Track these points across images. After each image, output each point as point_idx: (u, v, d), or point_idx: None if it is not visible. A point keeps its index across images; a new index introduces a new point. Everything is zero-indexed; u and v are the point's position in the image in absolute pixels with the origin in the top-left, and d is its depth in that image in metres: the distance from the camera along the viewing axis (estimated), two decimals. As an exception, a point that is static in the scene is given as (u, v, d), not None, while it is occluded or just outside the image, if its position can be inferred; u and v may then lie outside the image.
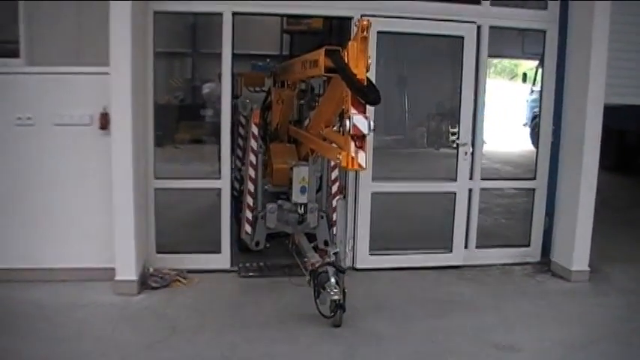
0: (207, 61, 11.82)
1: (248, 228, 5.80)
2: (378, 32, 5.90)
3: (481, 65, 6.43)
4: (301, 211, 5.74)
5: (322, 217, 5.80)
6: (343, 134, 3.94)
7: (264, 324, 4.98)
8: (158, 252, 6.03)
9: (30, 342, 4.47)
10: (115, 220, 5.42)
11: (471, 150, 6.50)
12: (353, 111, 3.81)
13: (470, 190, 6.58)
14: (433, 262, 6.50)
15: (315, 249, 5.64)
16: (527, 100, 18.38)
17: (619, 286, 6.10)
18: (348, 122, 3.78)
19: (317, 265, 4.95)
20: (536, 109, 17.94)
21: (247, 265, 6.27)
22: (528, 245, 6.83)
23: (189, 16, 9.20)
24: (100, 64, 5.32)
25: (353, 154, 3.84)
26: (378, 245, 6.38)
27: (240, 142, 6.73)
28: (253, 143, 5.82)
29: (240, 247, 6.31)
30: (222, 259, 6.20)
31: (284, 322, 5.01)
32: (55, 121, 5.50)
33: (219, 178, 6.14)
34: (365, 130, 3.79)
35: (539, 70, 18.03)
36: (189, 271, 5.94)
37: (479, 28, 6.30)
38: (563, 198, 6.49)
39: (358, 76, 3.78)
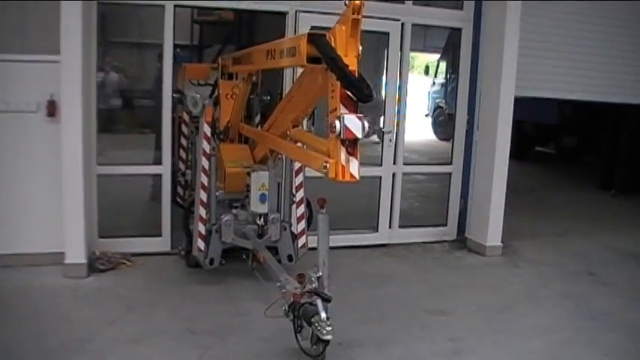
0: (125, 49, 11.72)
1: (201, 244, 5.26)
2: (312, 27, 6.34)
3: (404, 59, 6.97)
4: (261, 222, 5.33)
5: (285, 229, 5.40)
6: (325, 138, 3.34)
7: (215, 300, 5.24)
8: (100, 236, 6.15)
9: (-9, 324, 4.56)
10: (64, 205, 5.54)
11: (394, 137, 7.03)
12: (343, 110, 3.23)
13: (393, 175, 7.12)
14: (361, 242, 6.99)
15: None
16: (429, 92, 19.29)
17: (528, 259, 6.87)
18: (337, 123, 3.18)
19: (300, 294, 4.15)
20: (438, 100, 18.97)
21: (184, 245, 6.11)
22: (445, 225, 7.48)
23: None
24: (44, 52, 5.44)
25: (343, 163, 3.25)
26: (311, 226, 6.73)
27: (184, 142, 6.48)
28: (205, 145, 5.27)
29: (188, 263, 5.81)
30: (163, 242, 6.39)
31: (233, 297, 5.30)
32: (1, 108, 5.53)
33: (160, 164, 6.30)
34: (359, 134, 3.23)
35: (441, 63, 19.02)
36: (132, 255, 6.09)
37: (402, 25, 6.82)
38: (478, 180, 7.16)
39: (350, 68, 3.22)
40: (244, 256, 5.54)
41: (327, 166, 3.29)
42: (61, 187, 5.54)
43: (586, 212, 9.45)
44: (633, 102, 8.17)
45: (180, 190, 6.58)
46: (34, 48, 5.51)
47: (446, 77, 17.59)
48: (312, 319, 3.94)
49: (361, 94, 3.20)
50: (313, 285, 4.11)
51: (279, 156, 5.12)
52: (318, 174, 3.45)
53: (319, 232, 4.27)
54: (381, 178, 7.06)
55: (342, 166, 3.25)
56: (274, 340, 4.49)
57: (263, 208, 5.21)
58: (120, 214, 6.76)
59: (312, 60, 3.37)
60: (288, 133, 4.36)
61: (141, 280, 5.64)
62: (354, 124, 3.21)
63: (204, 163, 5.28)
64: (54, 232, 5.64)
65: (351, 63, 3.22)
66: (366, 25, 6.78)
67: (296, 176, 5.52)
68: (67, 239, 5.60)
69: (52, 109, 5.54)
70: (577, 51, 7.21)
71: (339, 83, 3.22)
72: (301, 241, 5.59)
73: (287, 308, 4.24)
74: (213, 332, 4.60)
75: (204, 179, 5.28)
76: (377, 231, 7.12)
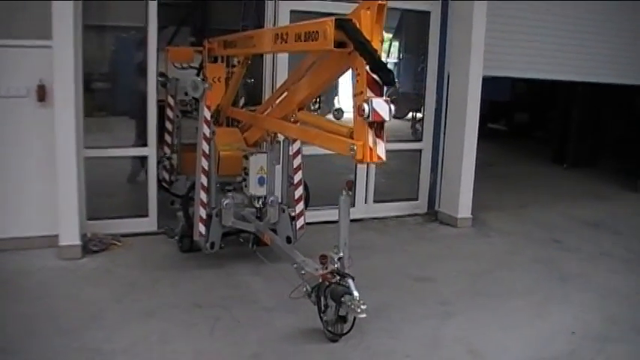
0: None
1: (202, 228, 5.24)
2: (291, 11, 6.57)
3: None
4: (259, 204, 5.39)
5: (283, 211, 5.43)
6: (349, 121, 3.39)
7: (214, 275, 5.44)
8: (89, 219, 6.22)
9: (3, 304, 4.67)
10: (59, 187, 5.64)
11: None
12: (370, 93, 3.30)
13: (369, 151, 7.41)
14: (338, 217, 7.27)
15: None
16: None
17: (497, 229, 7.34)
18: (366, 106, 3.25)
19: (327, 275, 4.23)
20: (391, 79, 19.25)
21: (173, 228, 6.23)
22: (417, 199, 7.86)
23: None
24: (33, 37, 5.50)
25: (371, 145, 3.33)
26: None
27: (169, 125, 6.55)
28: (205, 129, 5.20)
29: (182, 248, 5.87)
30: (150, 223, 6.54)
31: (230, 273, 5.52)
32: (-10, 94, 5.58)
33: (146, 145, 6.40)
34: (386, 116, 3.31)
35: (393, 43, 19.30)
36: (121, 235, 6.21)
37: (376, 8, 7.08)
38: (449, 156, 7.55)
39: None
40: (241, 239, 5.65)
41: (355, 148, 3.37)
42: (53, 170, 5.62)
43: (543, 185, 10.04)
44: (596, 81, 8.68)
45: (165, 174, 6.65)
46: (22, 33, 5.55)
47: (398, 57, 17.90)
48: (343, 299, 4.02)
49: (387, 77, 3.27)
50: (335, 265, 4.22)
51: (277, 139, 5.20)
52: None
53: (340, 214, 4.29)
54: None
55: (370, 148, 3.34)
56: (278, 309, 4.77)
57: (261, 191, 5.30)
58: (103, 196, 6.84)
59: (339, 44, 3.38)
60: (293, 115, 4.43)
61: (136, 260, 5.78)
62: (382, 107, 3.29)
63: (204, 147, 5.24)
64: (46, 215, 5.76)
65: (377, 47, 3.29)
66: (340, 8, 7.10)
67: (294, 158, 5.55)
68: (62, 221, 5.71)
69: (42, 93, 5.61)
70: (539, 32, 7.62)
71: (366, 67, 3.28)
72: (299, 223, 5.65)
73: (309, 289, 4.33)
74: (219, 304, 4.83)
75: (205, 163, 5.24)
76: (354, 206, 7.42)
